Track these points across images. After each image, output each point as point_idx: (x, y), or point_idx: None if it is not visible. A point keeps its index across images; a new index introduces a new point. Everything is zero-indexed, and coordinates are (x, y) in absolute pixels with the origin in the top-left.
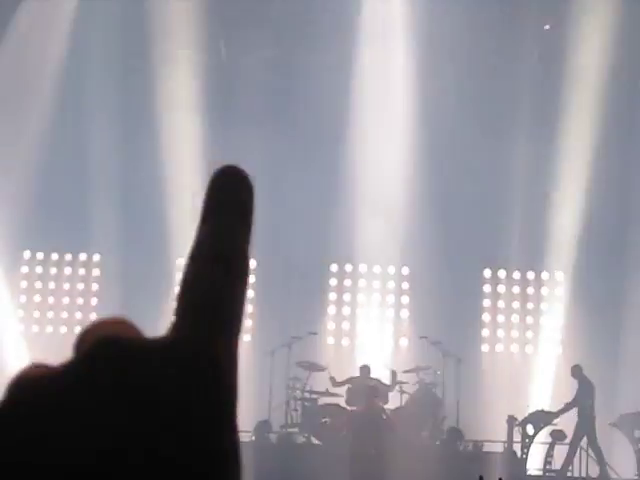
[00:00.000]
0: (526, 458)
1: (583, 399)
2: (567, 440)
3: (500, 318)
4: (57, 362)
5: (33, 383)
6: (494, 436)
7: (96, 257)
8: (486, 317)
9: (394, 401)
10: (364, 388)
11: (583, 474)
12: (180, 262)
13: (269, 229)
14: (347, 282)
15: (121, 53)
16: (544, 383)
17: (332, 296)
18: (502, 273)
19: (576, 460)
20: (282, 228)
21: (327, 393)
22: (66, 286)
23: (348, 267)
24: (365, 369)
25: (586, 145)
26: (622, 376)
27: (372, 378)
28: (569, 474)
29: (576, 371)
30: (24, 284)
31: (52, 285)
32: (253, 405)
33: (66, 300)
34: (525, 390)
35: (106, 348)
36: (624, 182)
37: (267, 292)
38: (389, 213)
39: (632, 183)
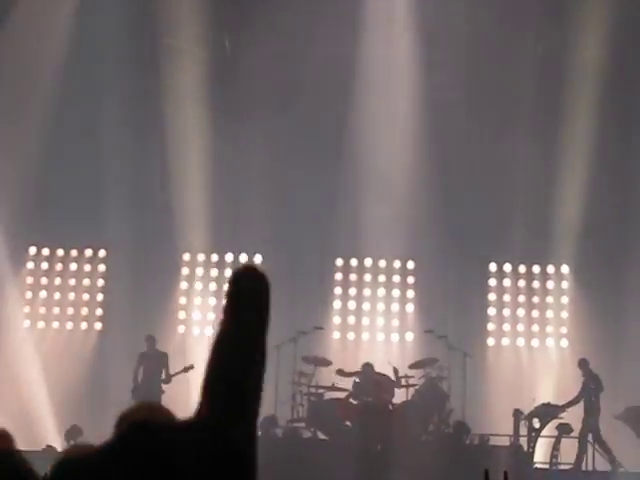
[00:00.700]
0: (532, 452)
1: (589, 393)
2: (574, 434)
3: (506, 312)
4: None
5: (73, 464)
6: (500, 430)
7: (102, 253)
8: (492, 311)
9: (400, 395)
10: (370, 382)
11: (590, 468)
12: (186, 257)
13: (274, 224)
14: (352, 276)
15: (125, 46)
16: (550, 377)
17: (337, 290)
18: (508, 267)
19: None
20: (287, 222)
21: (333, 387)
22: (72, 282)
23: (353, 261)
24: (368, 366)
25: (589, 138)
26: (627, 369)
27: (378, 373)
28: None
29: (583, 365)
30: (30, 280)
31: (58, 281)
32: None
33: (72, 296)
34: (531, 384)
35: (138, 431)
36: (626, 175)
37: (272, 287)
38: (394, 208)
39: (633, 176)
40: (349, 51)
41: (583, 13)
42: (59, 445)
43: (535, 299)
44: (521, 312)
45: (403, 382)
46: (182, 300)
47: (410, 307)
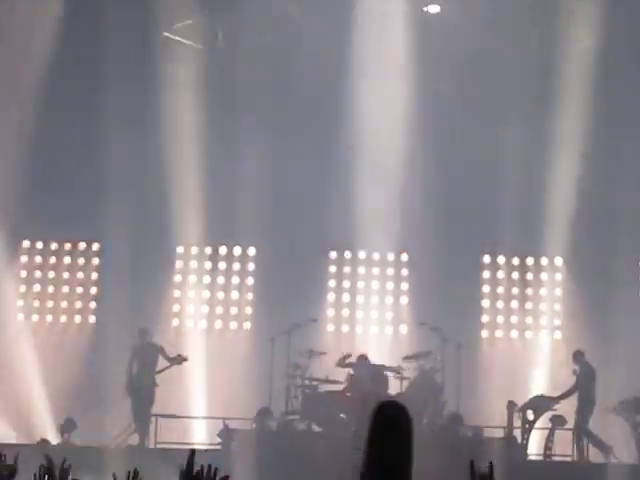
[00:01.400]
0: (526, 443)
1: (584, 385)
2: (568, 426)
3: (499, 304)
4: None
5: None
6: (494, 422)
7: (95, 246)
8: (485, 303)
9: (394, 387)
10: (365, 375)
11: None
12: (180, 250)
13: (268, 217)
14: (346, 269)
15: (120, 39)
16: (544, 368)
17: (331, 283)
18: (501, 259)
19: (575, 445)
20: (281, 215)
21: (327, 380)
22: (65, 275)
23: (347, 254)
24: (362, 358)
25: (581, 130)
26: (620, 361)
27: (373, 364)
28: (569, 459)
29: (578, 356)
30: (23, 273)
31: (51, 274)
32: (253, 392)
33: (66, 289)
34: (525, 375)
35: None
36: (619, 167)
37: (266, 279)
38: (388, 202)
39: (626, 167)
40: (343, 41)
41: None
42: (53, 438)
43: (529, 291)
44: (515, 304)
45: (397, 374)
46: (176, 293)
47: (404, 299)
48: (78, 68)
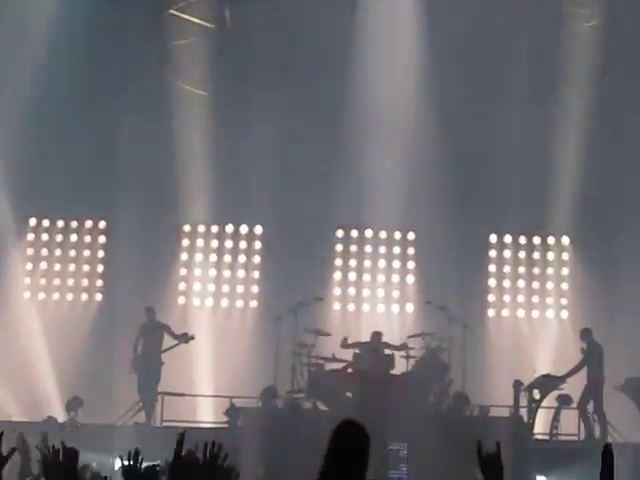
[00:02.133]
0: (532, 423)
1: (591, 363)
2: (573, 405)
3: (506, 283)
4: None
5: None
6: (500, 401)
7: (102, 224)
8: (492, 282)
9: (400, 366)
10: (370, 353)
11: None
12: (186, 228)
13: (275, 195)
14: (353, 248)
15: (128, 18)
16: (550, 348)
17: (338, 262)
18: (508, 238)
19: (581, 423)
20: (288, 193)
21: (333, 359)
22: (72, 253)
23: (354, 233)
24: (377, 335)
25: (585, 108)
26: (627, 340)
27: (381, 343)
28: (576, 438)
29: (585, 335)
30: (30, 251)
31: (58, 252)
32: (259, 371)
33: (72, 267)
34: (531, 355)
35: None
36: (626, 145)
37: (273, 258)
38: (395, 180)
39: (628, 145)
40: (348, 18)
41: None
42: (60, 416)
43: (535, 270)
44: (521, 283)
45: (404, 353)
46: (182, 271)
47: (410, 278)
48: (86, 48)
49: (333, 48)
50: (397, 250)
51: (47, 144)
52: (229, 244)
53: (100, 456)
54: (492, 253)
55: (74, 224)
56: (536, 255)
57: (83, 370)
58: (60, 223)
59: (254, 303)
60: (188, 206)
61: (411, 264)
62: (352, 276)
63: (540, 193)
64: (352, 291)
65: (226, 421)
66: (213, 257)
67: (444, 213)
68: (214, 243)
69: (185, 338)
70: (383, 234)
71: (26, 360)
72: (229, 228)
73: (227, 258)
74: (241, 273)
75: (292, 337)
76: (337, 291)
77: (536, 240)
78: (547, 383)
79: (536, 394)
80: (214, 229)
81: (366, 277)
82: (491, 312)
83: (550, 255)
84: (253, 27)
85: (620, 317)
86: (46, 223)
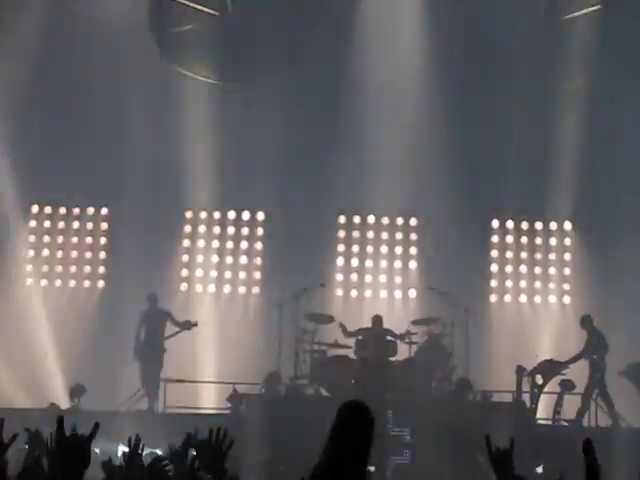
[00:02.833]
0: (535, 408)
1: (593, 349)
2: (576, 390)
3: (508, 268)
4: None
5: None
6: (503, 386)
7: (104, 211)
8: (494, 268)
9: (403, 352)
10: (373, 339)
11: (593, 424)
12: (188, 215)
13: (276, 181)
14: (355, 233)
15: (129, 5)
16: (553, 333)
17: (340, 248)
18: (510, 224)
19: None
20: (289, 179)
21: (336, 345)
22: (74, 240)
23: (356, 218)
24: (378, 319)
25: (588, 91)
26: (629, 325)
27: (383, 329)
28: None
29: (586, 322)
30: (32, 238)
31: (60, 239)
32: (262, 357)
33: (74, 254)
34: (534, 340)
35: None
36: (625, 128)
37: (275, 244)
38: (397, 166)
39: (632, 130)
40: (351, 4)
41: None
42: (63, 403)
43: (538, 256)
44: (523, 269)
45: (406, 339)
46: (184, 258)
47: (413, 264)
48: (87, 33)
49: (335, 32)
50: (399, 236)
51: (49, 132)
52: (231, 230)
53: (103, 443)
54: (494, 239)
55: (76, 211)
56: (538, 240)
57: (86, 357)
58: (62, 210)
59: (256, 289)
60: (190, 192)
61: (413, 250)
62: (354, 262)
63: (542, 178)
64: (354, 277)
65: (229, 407)
66: (215, 243)
67: (446, 199)
68: (216, 229)
69: (188, 325)
70: (385, 220)
71: (29, 347)
72: (231, 214)
73: (229, 244)
74: (243, 259)
75: (295, 323)
76: (339, 277)
77: (538, 225)
78: (550, 368)
79: (539, 379)
80: (216, 215)
81: (368, 263)
82: (493, 298)
83: (552, 240)
84: (254, 12)
85: (622, 302)
86: (48, 210)
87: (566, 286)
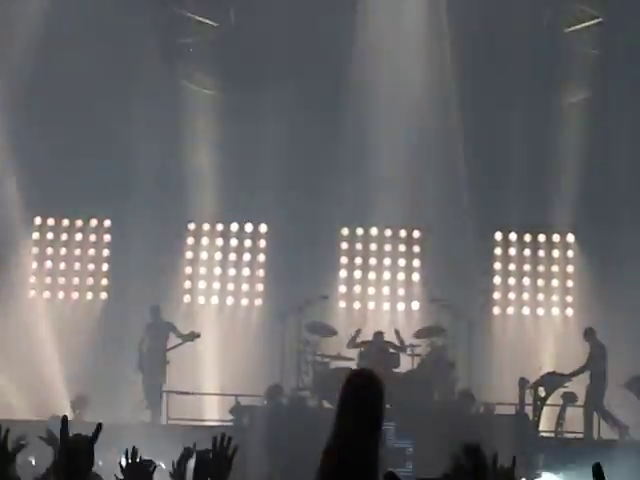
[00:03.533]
0: (538, 420)
1: (596, 362)
2: (579, 403)
3: (511, 281)
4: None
5: None
6: (506, 399)
7: (107, 223)
8: (497, 280)
9: (406, 364)
10: (376, 353)
11: (595, 437)
12: (191, 227)
13: (280, 193)
14: (358, 245)
15: (131, 14)
16: (555, 345)
17: (343, 260)
18: (513, 236)
19: (594, 422)
20: (293, 192)
21: (339, 357)
22: (77, 252)
23: (359, 230)
24: (379, 335)
25: (587, 103)
26: (632, 338)
27: (385, 342)
28: (580, 436)
29: (589, 334)
30: (35, 250)
31: (63, 251)
32: (265, 369)
33: (77, 266)
34: (536, 352)
35: None
36: (626, 141)
37: (278, 256)
38: (400, 178)
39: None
40: (352, 16)
41: None
42: (65, 414)
43: (540, 268)
44: (526, 281)
45: (409, 351)
46: (187, 270)
47: (416, 276)
48: (90, 46)
49: (336, 46)
50: (402, 248)
51: (52, 144)
52: (234, 242)
53: (105, 454)
54: (497, 251)
55: (79, 223)
56: (541, 253)
57: (89, 369)
58: (65, 222)
59: (259, 301)
60: (193, 205)
61: (416, 262)
62: (357, 274)
63: (545, 190)
64: (357, 289)
65: (231, 419)
66: (218, 255)
67: (449, 211)
68: (219, 241)
69: (191, 337)
70: (388, 232)
71: (32, 359)
72: (234, 227)
73: (232, 256)
74: (246, 271)
75: (297, 335)
76: (342, 289)
77: (541, 238)
78: (552, 381)
79: (541, 392)
80: (219, 227)
81: (371, 275)
82: (496, 310)
83: (555, 253)
84: (257, 24)
85: (624, 314)
86: (51, 222)
87: (569, 298)
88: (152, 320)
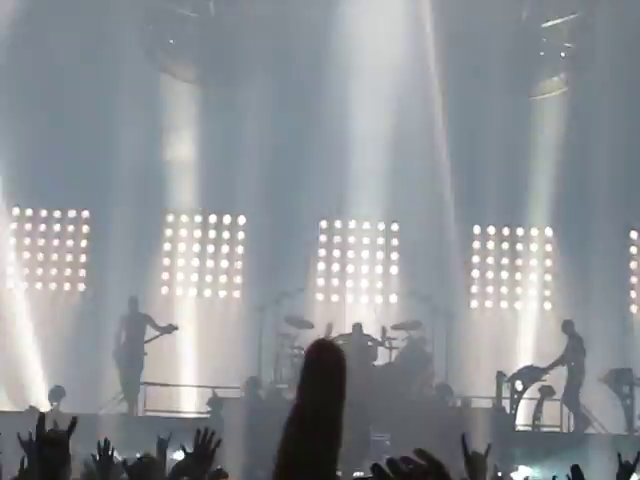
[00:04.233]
0: (515, 414)
1: (573, 355)
2: (556, 396)
3: (489, 274)
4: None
5: None
6: (483, 392)
7: (85, 213)
8: (475, 273)
9: (383, 357)
10: (353, 346)
11: (572, 429)
12: (169, 218)
13: (258, 185)
14: (337, 238)
15: (108, 11)
16: (533, 339)
17: (321, 252)
18: (491, 229)
19: (564, 416)
20: (271, 184)
21: None
22: (55, 243)
23: (337, 223)
24: (357, 327)
25: (564, 98)
26: (610, 332)
27: (363, 335)
28: (557, 429)
29: (567, 326)
30: (13, 241)
31: (41, 242)
32: (242, 361)
33: (55, 257)
34: (514, 346)
35: None
36: (604, 135)
37: (256, 248)
38: (379, 171)
39: (611, 136)
40: (334, 10)
41: None
42: (43, 405)
43: (519, 262)
44: (504, 275)
45: (386, 344)
46: (165, 261)
47: (394, 269)
48: (70, 38)
49: (316, 38)
50: (381, 241)
51: (30, 134)
52: (212, 234)
53: (81, 446)
54: (476, 244)
55: (57, 214)
56: (519, 247)
57: (66, 360)
58: (44, 213)
59: (237, 293)
60: (171, 196)
61: (395, 255)
62: (336, 267)
63: (523, 184)
64: (335, 282)
65: (208, 411)
66: (196, 247)
67: (428, 204)
68: (197, 233)
69: (169, 329)
70: (367, 225)
71: (9, 350)
72: (212, 218)
73: (210, 248)
74: (224, 263)
75: (275, 328)
76: (320, 282)
77: (519, 232)
78: (530, 374)
79: (519, 385)
80: (197, 219)
81: (349, 268)
82: (474, 303)
83: (533, 247)
84: (237, 16)
85: (603, 308)
86: (29, 213)
87: (547, 292)
88: (130, 311)
